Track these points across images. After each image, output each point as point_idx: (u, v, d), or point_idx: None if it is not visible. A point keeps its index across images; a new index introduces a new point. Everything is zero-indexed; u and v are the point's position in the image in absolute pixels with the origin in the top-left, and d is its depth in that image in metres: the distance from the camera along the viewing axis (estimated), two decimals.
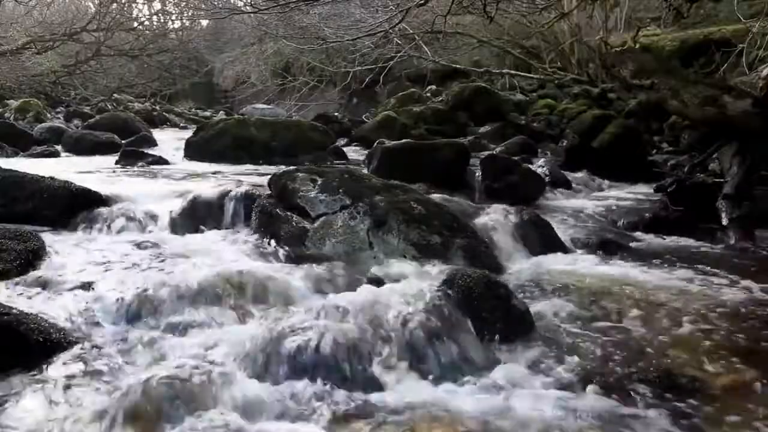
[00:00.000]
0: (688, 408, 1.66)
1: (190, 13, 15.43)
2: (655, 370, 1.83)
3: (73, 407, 1.55)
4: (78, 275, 2.36)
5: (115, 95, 14.39)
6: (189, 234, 3.13)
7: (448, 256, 2.70)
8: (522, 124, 8.51)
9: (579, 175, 5.49)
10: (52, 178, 3.30)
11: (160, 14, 15.39)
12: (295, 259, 2.72)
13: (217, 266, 2.48)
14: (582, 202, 4.69)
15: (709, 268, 2.95)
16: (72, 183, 3.29)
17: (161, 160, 5.86)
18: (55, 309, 2.06)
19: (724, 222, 3.76)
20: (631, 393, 1.72)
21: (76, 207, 3.19)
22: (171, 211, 3.28)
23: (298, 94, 14.01)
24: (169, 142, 8.09)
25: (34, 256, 2.49)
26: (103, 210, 3.22)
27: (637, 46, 7.39)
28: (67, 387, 1.64)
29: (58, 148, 7.25)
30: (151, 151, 6.49)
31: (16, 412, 1.53)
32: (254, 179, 4.30)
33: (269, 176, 3.36)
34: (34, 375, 1.69)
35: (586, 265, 2.99)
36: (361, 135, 8.40)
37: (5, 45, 10.89)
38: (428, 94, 10.30)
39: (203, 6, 12.30)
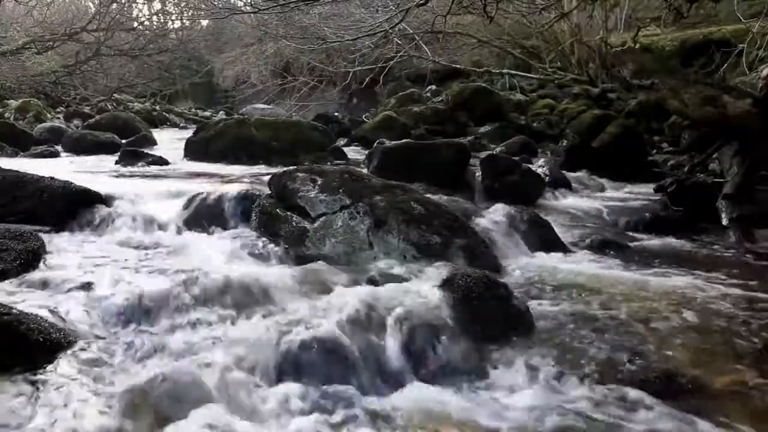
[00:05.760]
0: (688, 408, 1.66)
1: (190, 13, 15.47)
2: (655, 370, 1.83)
3: (73, 407, 1.55)
4: (78, 275, 2.35)
5: (115, 95, 14.39)
6: (189, 234, 3.12)
7: (448, 256, 2.70)
8: (522, 124, 8.51)
9: (579, 175, 5.49)
10: (52, 178, 3.29)
11: (160, 14, 15.44)
12: (295, 259, 2.72)
13: (216, 266, 2.48)
14: (582, 202, 4.69)
15: (709, 268, 2.95)
16: (72, 183, 3.29)
17: (161, 160, 5.85)
18: (55, 309, 2.05)
19: (724, 222, 3.76)
20: (632, 393, 1.72)
21: (76, 207, 3.18)
22: (171, 211, 3.28)
23: (298, 94, 14.01)
24: (169, 142, 8.09)
25: (34, 256, 2.48)
26: (103, 210, 3.21)
27: (637, 46, 7.40)
28: (67, 387, 1.64)
29: (58, 148, 7.25)
30: (151, 151, 6.49)
31: (16, 412, 1.52)
32: (254, 179, 4.30)
33: (269, 176, 3.35)
34: (34, 375, 1.69)
35: (586, 265, 2.99)
36: (361, 135, 8.40)
37: (5, 45, 10.89)
38: (428, 94, 10.30)
39: (203, 6, 12.30)
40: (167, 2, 15.84)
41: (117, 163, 5.81)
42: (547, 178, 4.97)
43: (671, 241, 3.58)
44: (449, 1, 5.61)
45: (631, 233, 3.73)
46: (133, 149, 6.33)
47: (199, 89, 20.42)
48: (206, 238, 3.03)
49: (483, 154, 5.24)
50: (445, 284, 2.19)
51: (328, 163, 5.79)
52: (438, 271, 2.38)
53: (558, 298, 2.47)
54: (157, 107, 15.67)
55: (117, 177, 4.76)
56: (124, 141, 7.53)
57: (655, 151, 6.67)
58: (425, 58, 10.07)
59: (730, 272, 2.87)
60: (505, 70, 10.20)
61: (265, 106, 13.20)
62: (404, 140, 6.04)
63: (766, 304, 2.45)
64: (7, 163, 4.12)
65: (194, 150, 6.34)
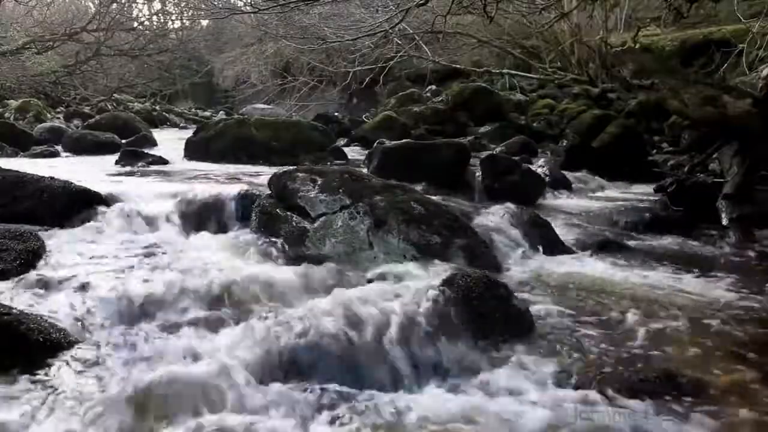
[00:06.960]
0: (688, 408, 1.66)
1: (190, 13, 15.48)
2: (655, 370, 1.83)
3: (73, 407, 1.55)
4: (78, 275, 2.35)
5: (115, 95, 14.39)
6: (188, 234, 3.12)
7: (448, 256, 2.70)
8: (522, 124, 8.51)
9: (579, 175, 5.49)
10: (52, 178, 3.29)
11: (160, 14, 15.45)
12: (295, 259, 2.72)
13: (216, 266, 2.48)
14: (582, 202, 4.69)
15: (709, 268, 2.95)
16: (72, 183, 3.29)
17: (161, 160, 5.86)
18: (55, 309, 2.05)
19: (724, 222, 3.77)
20: (631, 393, 1.72)
21: (76, 207, 3.18)
22: (170, 211, 3.27)
23: (298, 94, 14.02)
24: (169, 142, 8.09)
25: (34, 256, 2.48)
26: (103, 210, 3.21)
27: (637, 46, 7.40)
28: (67, 387, 1.64)
29: (58, 148, 7.25)
30: (151, 151, 6.49)
31: (16, 412, 1.52)
32: (254, 179, 4.29)
33: (269, 176, 3.35)
34: (34, 375, 1.69)
35: (586, 265, 2.99)
36: (361, 135, 8.40)
37: (5, 45, 10.90)
38: (428, 94, 10.30)
39: (203, 6, 12.31)
40: (167, 2, 15.87)
41: (117, 163, 5.81)
42: (547, 178, 4.98)
43: (671, 241, 3.58)
44: (449, 1, 5.62)
45: (631, 233, 3.72)
46: (133, 149, 6.33)
47: (199, 89, 20.42)
48: (206, 238, 3.03)
49: (483, 154, 5.24)
50: (445, 284, 2.18)
51: (328, 163, 5.80)
52: (438, 271, 2.37)
53: (558, 298, 2.47)
54: (157, 107, 15.68)
55: (117, 177, 4.75)
56: (124, 141, 7.54)
57: (655, 151, 6.68)
58: (425, 58, 10.08)
59: (730, 272, 2.87)
60: (505, 70, 10.21)
61: (265, 106, 13.21)
62: (404, 140, 6.04)
63: (766, 304, 2.45)
64: (7, 163, 4.12)
65: (194, 150, 6.34)
